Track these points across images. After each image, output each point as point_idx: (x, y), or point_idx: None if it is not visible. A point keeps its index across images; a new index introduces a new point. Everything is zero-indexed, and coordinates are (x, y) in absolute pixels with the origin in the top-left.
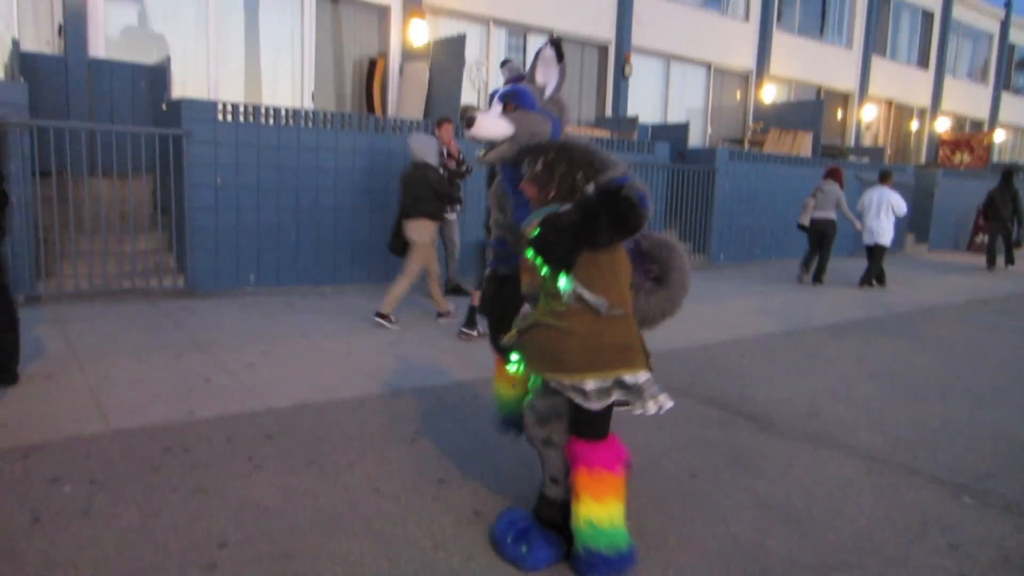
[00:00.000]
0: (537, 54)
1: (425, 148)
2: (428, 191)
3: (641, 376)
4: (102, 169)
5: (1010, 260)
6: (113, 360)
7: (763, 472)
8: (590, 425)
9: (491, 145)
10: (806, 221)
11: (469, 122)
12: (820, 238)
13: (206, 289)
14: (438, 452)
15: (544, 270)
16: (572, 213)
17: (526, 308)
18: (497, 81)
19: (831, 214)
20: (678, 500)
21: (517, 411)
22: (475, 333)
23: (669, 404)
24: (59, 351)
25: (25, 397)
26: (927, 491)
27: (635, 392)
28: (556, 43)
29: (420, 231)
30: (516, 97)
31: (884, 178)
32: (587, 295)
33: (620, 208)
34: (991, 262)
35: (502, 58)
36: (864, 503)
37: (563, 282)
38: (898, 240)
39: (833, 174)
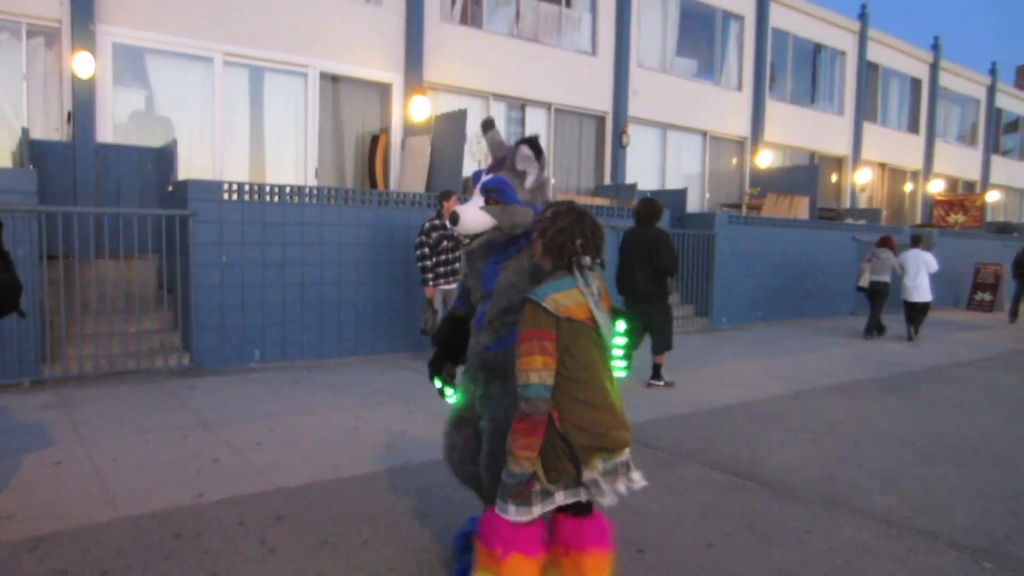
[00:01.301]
0: (517, 146)
1: None
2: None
3: None
4: (108, 251)
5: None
6: (120, 443)
7: (780, 539)
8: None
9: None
10: (865, 283)
11: (454, 219)
12: (875, 297)
13: (212, 367)
14: (452, 528)
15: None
16: None
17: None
18: None
19: (887, 277)
20: (697, 572)
21: None
22: None
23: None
24: (66, 436)
25: (32, 485)
26: (946, 556)
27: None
28: (534, 142)
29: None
30: (497, 192)
31: (916, 241)
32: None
33: None
34: (1014, 315)
35: (503, 130)
36: (884, 570)
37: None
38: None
39: (886, 242)
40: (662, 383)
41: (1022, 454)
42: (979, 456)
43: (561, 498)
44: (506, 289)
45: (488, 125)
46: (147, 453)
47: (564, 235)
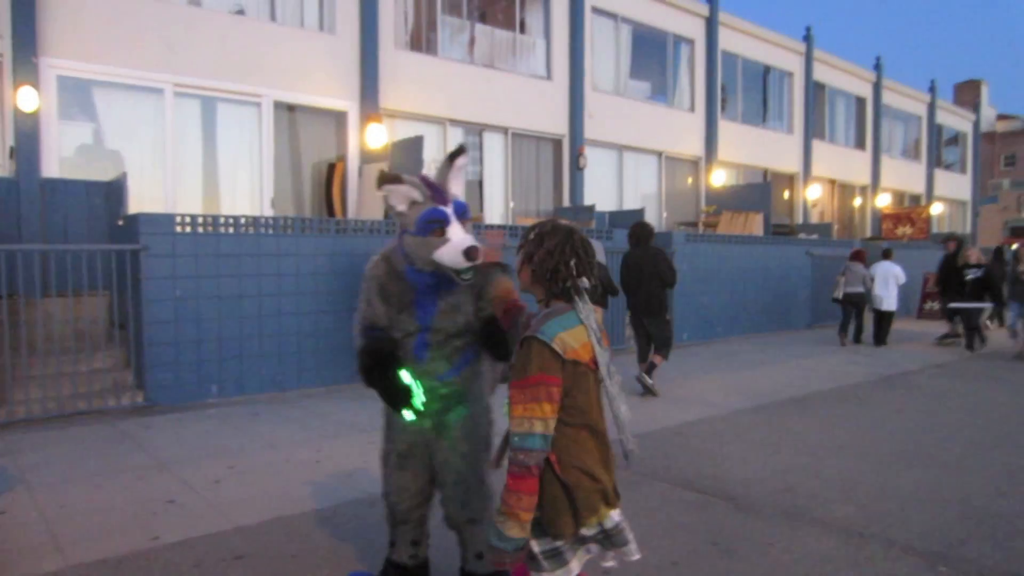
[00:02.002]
0: (451, 162)
1: (598, 250)
2: (599, 285)
3: None
4: (56, 288)
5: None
6: (70, 488)
7: (743, 554)
8: None
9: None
10: (839, 295)
11: (475, 255)
12: (854, 308)
13: (167, 404)
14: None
15: None
16: None
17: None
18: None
19: (860, 288)
20: None
21: None
22: None
23: None
24: (11, 484)
25: None
26: (903, 562)
27: None
28: (463, 150)
29: (596, 315)
30: (467, 213)
31: (887, 255)
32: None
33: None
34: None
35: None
36: None
37: None
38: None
39: (858, 255)
40: (651, 381)
41: (972, 459)
42: (932, 462)
43: (595, 548)
44: (451, 314)
45: (385, 179)
46: (99, 497)
47: (555, 257)
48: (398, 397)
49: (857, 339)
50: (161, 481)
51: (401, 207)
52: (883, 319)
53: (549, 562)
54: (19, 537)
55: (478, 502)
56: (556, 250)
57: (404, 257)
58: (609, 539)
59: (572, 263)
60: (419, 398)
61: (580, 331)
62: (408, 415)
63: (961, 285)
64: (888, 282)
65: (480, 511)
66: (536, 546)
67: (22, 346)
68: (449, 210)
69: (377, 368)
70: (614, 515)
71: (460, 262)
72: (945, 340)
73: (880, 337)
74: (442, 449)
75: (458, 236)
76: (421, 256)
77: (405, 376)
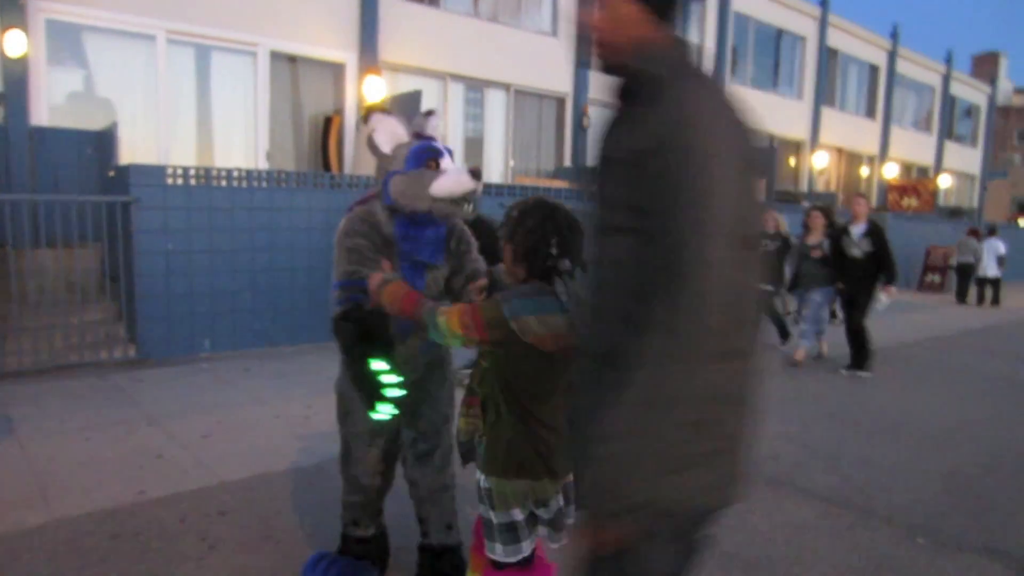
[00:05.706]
0: (428, 116)
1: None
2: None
3: None
4: (46, 239)
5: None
6: (59, 441)
7: (721, 521)
8: None
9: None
10: (954, 263)
11: (474, 172)
12: (962, 273)
13: (159, 358)
14: (402, 517)
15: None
16: None
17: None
18: (455, 135)
19: (971, 259)
20: None
21: None
22: None
23: None
24: (2, 435)
25: None
26: (882, 532)
27: None
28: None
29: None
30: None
31: (992, 231)
32: None
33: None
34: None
35: (461, 112)
36: (821, 547)
37: None
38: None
39: (973, 232)
40: None
41: (959, 432)
42: (918, 435)
43: (545, 532)
44: (436, 283)
45: (373, 109)
46: (87, 450)
47: (535, 236)
48: (371, 391)
49: (962, 299)
50: (150, 435)
51: (386, 148)
52: (988, 283)
53: (502, 536)
54: (8, 489)
55: (451, 467)
56: (537, 228)
57: (389, 211)
58: (552, 523)
59: (553, 242)
60: (393, 394)
61: (555, 319)
62: (378, 415)
63: None
64: (991, 254)
65: (451, 477)
66: (495, 518)
67: (13, 297)
68: (441, 146)
69: (359, 347)
70: (560, 498)
71: (465, 182)
72: None
73: (990, 299)
74: (424, 415)
75: (454, 167)
76: (415, 192)
77: (380, 366)
